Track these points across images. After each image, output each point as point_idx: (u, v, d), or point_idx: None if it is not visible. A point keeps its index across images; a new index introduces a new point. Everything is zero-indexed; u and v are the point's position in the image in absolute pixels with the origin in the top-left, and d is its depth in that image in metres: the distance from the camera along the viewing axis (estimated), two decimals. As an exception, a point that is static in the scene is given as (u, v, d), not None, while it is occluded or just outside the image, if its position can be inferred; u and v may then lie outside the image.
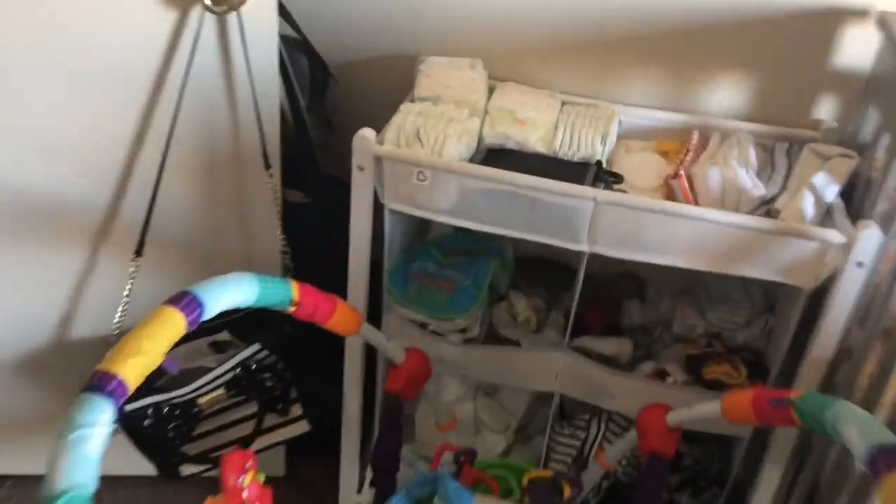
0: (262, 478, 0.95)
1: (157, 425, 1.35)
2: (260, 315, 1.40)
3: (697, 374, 1.32)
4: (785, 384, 1.29)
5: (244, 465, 0.93)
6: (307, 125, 1.39)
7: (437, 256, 1.49)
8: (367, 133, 1.22)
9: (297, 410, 1.44)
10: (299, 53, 1.41)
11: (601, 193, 1.18)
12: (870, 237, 1.08)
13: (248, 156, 1.30)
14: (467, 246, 1.53)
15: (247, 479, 0.92)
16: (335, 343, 1.41)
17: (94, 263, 1.41)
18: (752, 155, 1.31)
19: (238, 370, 1.35)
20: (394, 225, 1.37)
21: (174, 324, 0.83)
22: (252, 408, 1.41)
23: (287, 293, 1.01)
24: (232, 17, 1.18)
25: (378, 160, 1.23)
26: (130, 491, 1.63)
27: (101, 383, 0.73)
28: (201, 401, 1.37)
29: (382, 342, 1.23)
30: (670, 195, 1.30)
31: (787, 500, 1.33)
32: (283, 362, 1.39)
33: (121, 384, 0.74)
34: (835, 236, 1.11)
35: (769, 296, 1.41)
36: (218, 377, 1.34)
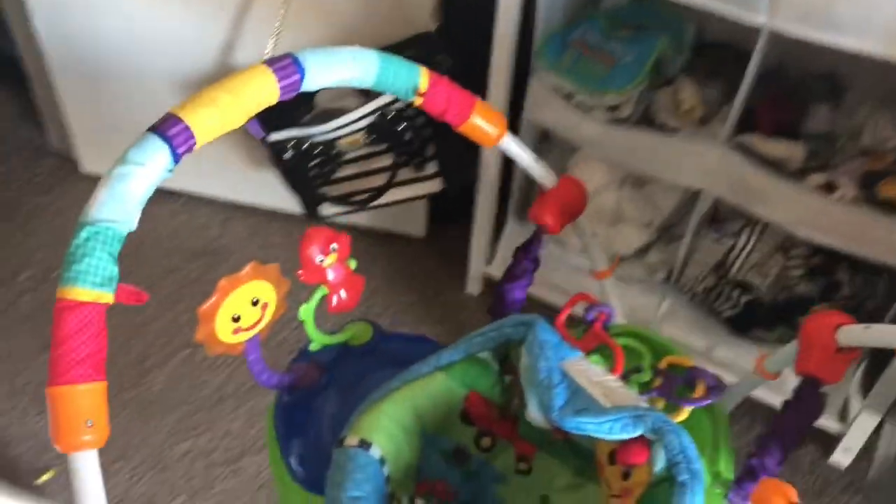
0: (353, 264, 0.85)
1: (298, 160, 1.40)
2: (409, 59, 1.39)
3: (870, 191, 1.14)
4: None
5: (328, 244, 0.82)
6: None
7: (605, 27, 1.36)
8: None
9: (432, 168, 1.43)
10: None
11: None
12: None
13: None
14: (641, 20, 1.37)
15: (328, 260, 0.82)
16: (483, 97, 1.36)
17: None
18: None
19: (376, 116, 1.34)
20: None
21: (263, 85, 0.72)
22: (389, 159, 1.42)
23: (413, 79, 0.84)
24: None
25: None
26: (286, 224, 1.73)
27: (164, 125, 0.67)
28: (341, 142, 1.39)
29: (530, 162, 0.96)
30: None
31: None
32: (422, 115, 1.36)
33: (185, 130, 0.68)
34: None
35: None
36: (356, 119, 1.34)
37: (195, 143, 0.70)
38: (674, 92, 1.34)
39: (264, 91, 0.72)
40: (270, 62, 0.72)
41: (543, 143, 1.53)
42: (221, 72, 1.52)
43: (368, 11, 1.39)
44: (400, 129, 1.36)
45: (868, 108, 1.28)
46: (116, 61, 1.59)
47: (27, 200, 1.76)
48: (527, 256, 0.97)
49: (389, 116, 1.34)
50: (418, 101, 0.85)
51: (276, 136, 1.36)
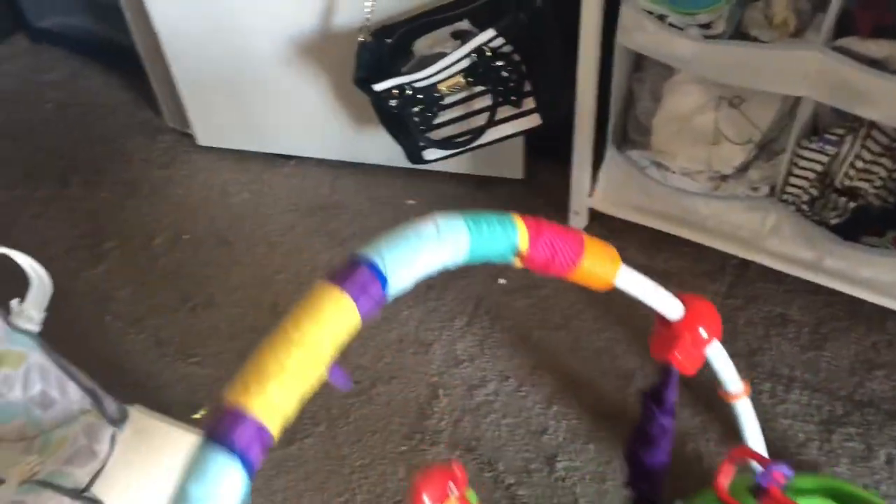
0: (473, 498, 0.74)
1: (402, 107, 1.47)
2: (499, 3, 1.44)
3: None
4: None
5: (445, 489, 0.70)
6: None
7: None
8: None
9: (530, 103, 1.48)
10: None
11: None
12: None
13: None
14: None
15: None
16: (574, 38, 1.40)
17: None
18: None
19: (474, 56, 1.40)
20: None
21: (339, 315, 0.53)
22: (488, 99, 1.47)
23: (510, 240, 0.69)
24: None
25: None
26: (389, 177, 1.81)
27: (225, 429, 0.48)
28: (441, 86, 1.46)
29: (653, 295, 0.81)
30: None
31: None
32: (518, 52, 1.41)
33: (256, 430, 0.49)
34: None
35: None
36: (455, 62, 1.40)
37: (271, 439, 0.50)
38: (765, 5, 1.35)
39: (341, 323, 0.53)
40: (341, 277, 0.54)
41: (636, 71, 1.56)
42: (323, 36, 1.61)
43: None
44: (496, 66, 1.42)
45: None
46: (224, 38, 1.70)
47: (150, 175, 1.89)
48: (661, 408, 0.79)
49: (486, 55, 1.40)
50: (519, 264, 0.71)
51: (379, 87, 1.43)
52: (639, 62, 1.56)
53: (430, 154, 1.57)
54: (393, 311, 1.56)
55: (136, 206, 1.83)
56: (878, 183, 1.35)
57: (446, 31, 1.47)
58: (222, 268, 1.68)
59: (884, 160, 1.35)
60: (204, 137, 1.93)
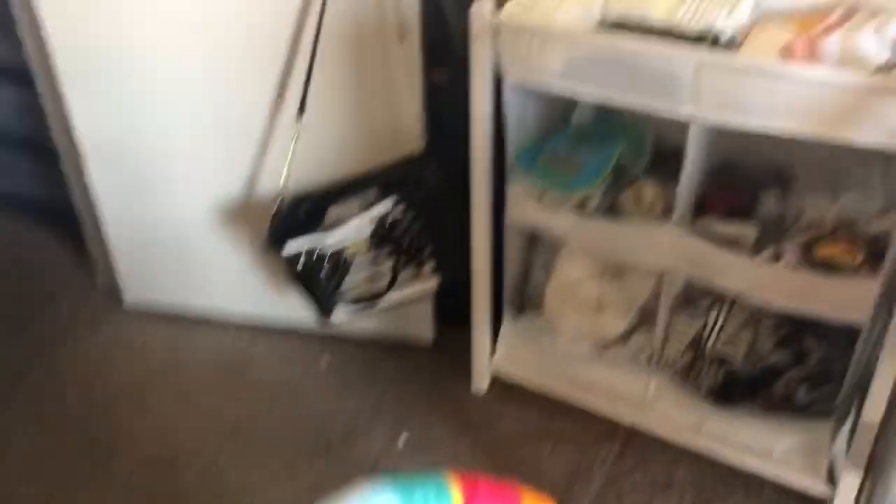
0: None
1: (310, 268, 1.58)
2: (402, 177, 1.59)
3: (809, 254, 1.27)
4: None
5: None
6: (444, 7, 1.51)
7: (572, 141, 1.56)
8: (484, 4, 1.31)
9: (429, 268, 1.60)
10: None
11: (702, 55, 1.19)
12: None
13: (389, 30, 1.46)
14: (604, 133, 1.58)
15: None
16: (468, 212, 1.55)
17: (272, 125, 1.65)
18: (894, 28, 1.22)
19: (376, 222, 1.53)
20: (527, 107, 1.46)
21: None
22: (392, 262, 1.60)
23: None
24: None
25: (496, 31, 1.33)
26: (303, 341, 1.89)
27: None
28: (348, 250, 1.58)
29: None
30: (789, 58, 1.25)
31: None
32: (418, 219, 1.56)
33: None
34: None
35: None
36: (359, 227, 1.54)
37: None
38: (636, 190, 1.52)
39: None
40: None
41: (531, 245, 1.70)
42: (247, 203, 1.75)
43: (369, 139, 1.61)
44: (399, 232, 1.55)
45: (814, 194, 1.43)
46: (155, 203, 1.84)
47: (74, 332, 1.95)
48: None
49: (389, 222, 1.54)
50: None
51: (286, 251, 1.55)
52: (534, 237, 1.71)
53: (339, 313, 1.66)
54: (290, 466, 1.58)
55: (52, 362, 1.87)
56: (744, 351, 1.46)
57: (356, 201, 1.61)
58: (129, 422, 1.71)
59: (748, 329, 1.46)
60: (132, 297, 2.01)
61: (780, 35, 1.32)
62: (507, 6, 1.35)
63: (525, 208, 1.50)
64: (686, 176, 1.33)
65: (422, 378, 1.79)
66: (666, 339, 1.51)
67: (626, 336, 1.59)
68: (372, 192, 1.60)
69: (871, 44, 1.17)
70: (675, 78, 1.21)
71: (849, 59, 1.18)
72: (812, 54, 1.21)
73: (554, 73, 1.31)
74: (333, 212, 1.64)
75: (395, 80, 1.54)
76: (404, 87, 1.53)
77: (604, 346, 1.60)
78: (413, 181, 1.53)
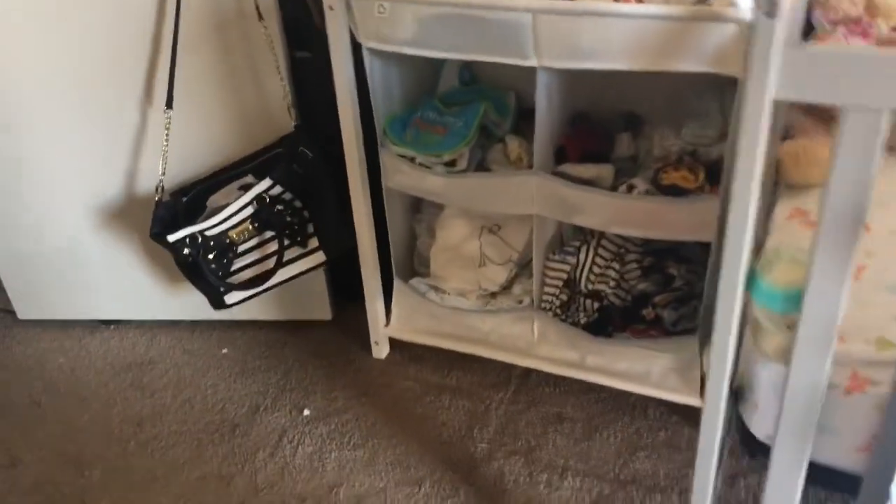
0: None
1: (196, 255, 1.60)
2: (277, 156, 1.64)
3: (656, 182, 1.38)
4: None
5: None
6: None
7: (439, 107, 1.63)
8: (332, -26, 1.38)
9: (314, 243, 1.65)
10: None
11: (535, 3, 1.27)
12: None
13: (248, 11, 1.50)
14: (469, 96, 1.66)
15: None
16: (345, 179, 1.60)
17: (144, 120, 1.67)
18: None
19: (255, 203, 1.57)
20: (391, 77, 1.53)
21: None
22: (277, 243, 1.64)
23: None
24: None
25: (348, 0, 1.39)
26: (203, 332, 1.91)
27: None
28: (232, 233, 1.61)
29: None
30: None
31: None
32: (297, 198, 1.60)
33: None
34: (743, 12, 1.13)
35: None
36: (239, 209, 1.57)
37: None
38: (503, 147, 1.60)
39: None
40: None
41: (416, 213, 1.76)
42: (127, 201, 1.76)
43: (241, 123, 1.65)
44: (279, 211, 1.59)
45: (660, 131, 1.55)
46: (33, 212, 1.82)
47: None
48: None
49: (266, 202, 1.58)
50: None
51: (172, 237, 1.57)
52: (417, 204, 1.78)
53: (231, 298, 1.69)
54: (196, 450, 1.60)
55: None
56: (613, 283, 1.56)
57: (235, 185, 1.65)
58: (30, 427, 1.70)
59: (615, 264, 1.57)
60: (24, 312, 1.99)
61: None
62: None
63: (399, 174, 1.57)
64: (540, 124, 1.42)
65: (324, 352, 1.83)
66: (543, 283, 1.60)
67: (508, 285, 1.67)
68: (249, 176, 1.64)
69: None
70: (517, 29, 1.29)
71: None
72: (637, -2, 1.32)
73: (406, 37, 1.38)
74: (213, 199, 1.67)
75: (260, 62, 1.58)
76: (270, 67, 1.57)
77: (490, 297, 1.68)
78: (288, 159, 1.58)
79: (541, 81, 1.36)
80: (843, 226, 0.76)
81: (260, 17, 1.49)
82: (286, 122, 1.62)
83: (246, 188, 1.64)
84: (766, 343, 1.10)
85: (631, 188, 1.43)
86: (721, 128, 1.44)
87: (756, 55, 0.80)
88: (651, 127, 1.58)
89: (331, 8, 1.40)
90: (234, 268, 1.66)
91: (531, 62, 1.32)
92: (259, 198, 1.57)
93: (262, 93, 1.61)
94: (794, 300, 0.83)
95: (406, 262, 1.78)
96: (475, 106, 1.59)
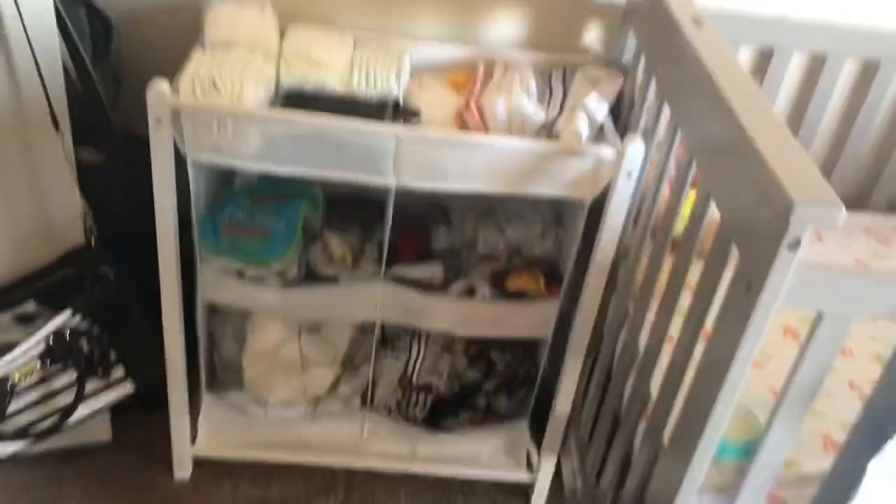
0: None
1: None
2: (67, 278, 1.38)
3: (502, 288, 1.45)
4: (576, 287, 1.44)
5: None
6: (94, 79, 1.33)
7: (246, 203, 1.50)
8: (161, 85, 1.19)
9: (119, 372, 1.43)
10: (75, 4, 1.34)
11: (402, 130, 1.25)
12: (636, 150, 1.23)
13: (32, 117, 1.23)
14: (275, 189, 1.55)
15: None
16: (152, 298, 1.41)
17: None
18: (532, 83, 1.43)
19: (51, 340, 1.31)
20: (197, 175, 1.36)
21: None
22: (72, 375, 1.38)
23: None
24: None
25: (176, 112, 1.22)
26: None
27: None
28: (15, 376, 1.32)
29: None
30: (464, 125, 1.39)
31: (587, 386, 1.51)
32: (98, 325, 1.37)
33: None
34: (607, 152, 1.25)
35: (556, 211, 1.56)
36: (29, 349, 1.30)
37: None
38: (324, 246, 1.54)
39: None
40: None
41: (215, 315, 1.61)
42: None
43: (9, 240, 1.35)
44: (78, 344, 1.35)
45: (472, 223, 1.61)
46: None
47: None
48: None
49: (67, 336, 1.32)
50: None
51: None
52: (213, 307, 1.62)
53: (6, 448, 1.39)
54: None
55: None
56: (444, 375, 1.60)
57: (7, 316, 1.35)
58: None
59: (444, 356, 1.61)
60: None
61: (442, 94, 1.45)
62: (182, 85, 1.24)
63: (224, 288, 1.43)
64: (385, 236, 1.40)
65: (114, 480, 1.59)
66: (374, 383, 1.58)
67: (334, 385, 1.62)
68: (30, 303, 1.36)
69: (529, 108, 1.36)
70: (378, 152, 1.26)
71: (515, 121, 1.36)
72: (483, 119, 1.37)
73: (251, 154, 1.26)
74: (-17, 332, 1.36)
75: (39, 168, 1.31)
76: (52, 173, 1.31)
77: (315, 402, 1.61)
78: (89, 283, 1.34)
79: (391, 197, 1.34)
80: (800, 397, 0.90)
81: (56, 127, 1.23)
82: (71, 236, 1.37)
83: (26, 318, 1.36)
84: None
85: (471, 290, 1.48)
86: (541, 226, 1.55)
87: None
88: (460, 220, 1.64)
89: (158, 121, 1.21)
90: (10, 409, 1.37)
91: (389, 181, 1.30)
92: (56, 333, 1.31)
93: (49, 207, 1.34)
94: (746, 452, 0.97)
95: (209, 373, 1.62)
96: (293, 205, 1.50)
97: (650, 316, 1.23)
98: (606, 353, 1.45)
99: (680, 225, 1.17)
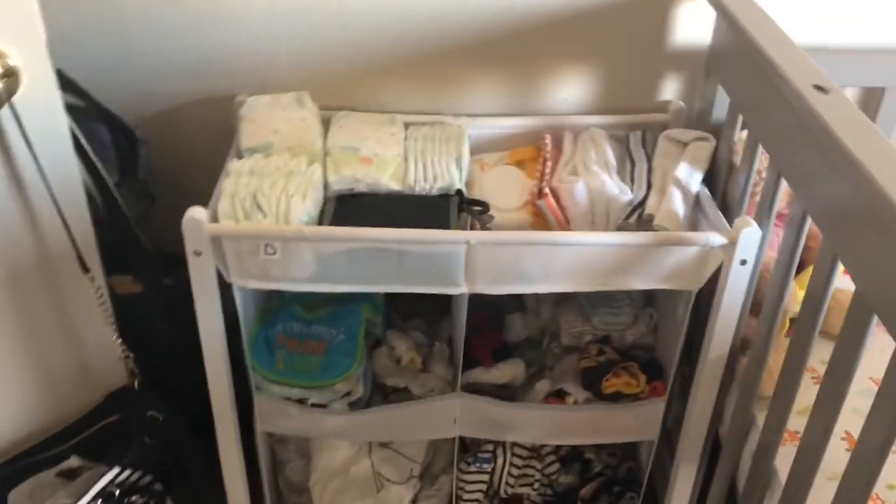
0: None
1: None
2: (111, 426, 1.24)
3: (596, 389, 1.27)
4: (683, 382, 1.26)
5: None
6: (120, 204, 1.19)
7: (300, 312, 1.35)
8: (197, 213, 1.05)
9: (177, 517, 1.28)
10: (95, 122, 1.20)
11: (473, 235, 1.09)
12: (750, 235, 1.05)
13: (59, 259, 1.09)
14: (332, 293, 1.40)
15: None
16: (205, 431, 1.26)
17: None
18: (609, 153, 1.26)
19: (100, 501, 1.17)
20: (245, 296, 1.22)
21: None
22: (123, 531, 1.24)
23: None
24: (5, 111, 0.96)
25: (216, 240, 1.07)
26: None
27: None
28: (60, 543, 1.18)
29: None
30: (537, 213, 1.23)
31: (704, 496, 1.31)
32: (150, 474, 1.22)
33: None
34: (715, 239, 1.06)
35: (647, 290, 1.38)
36: (75, 514, 1.16)
37: None
38: (388, 350, 1.38)
39: None
40: None
41: (279, 444, 1.45)
42: None
43: (47, 388, 1.21)
44: (131, 501, 1.20)
45: (549, 306, 1.43)
46: None
47: None
48: None
49: (116, 494, 1.18)
50: None
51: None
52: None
53: None
54: None
55: None
56: (536, 484, 1.42)
57: (51, 474, 1.21)
58: None
59: (534, 462, 1.43)
60: None
61: (508, 176, 1.29)
62: (222, 207, 1.09)
63: (283, 418, 1.27)
64: (458, 343, 1.24)
65: None
66: (458, 497, 1.41)
67: (413, 503, 1.45)
68: (73, 458, 1.22)
69: (613, 188, 1.19)
70: (447, 260, 1.09)
71: (598, 204, 1.19)
72: (561, 205, 1.20)
73: (304, 277, 1.11)
74: (17, 494, 1.22)
75: (71, 309, 1.17)
76: (86, 313, 1.17)
77: (395, 523, 1.44)
78: (138, 431, 1.19)
79: (465, 305, 1.18)
80: None
81: (85, 269, 1.09)
82: (112, 377, 1.22)
83: (70, 474, 1.22)
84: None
85: (562, 394, 1.31)
86: (631, 311, 1.37)
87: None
88: (535, 302, 1.47)
89: (197, 253, 1.07)
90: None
91: (461, 290, 1.13)
92: (105, 492, 1.17)
93: (85, 352, 1.20)
94: None
95: (275, 497, 1.47)
96: (353, 309, 1.34)
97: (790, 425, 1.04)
98: (727, 465, 1.25)
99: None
